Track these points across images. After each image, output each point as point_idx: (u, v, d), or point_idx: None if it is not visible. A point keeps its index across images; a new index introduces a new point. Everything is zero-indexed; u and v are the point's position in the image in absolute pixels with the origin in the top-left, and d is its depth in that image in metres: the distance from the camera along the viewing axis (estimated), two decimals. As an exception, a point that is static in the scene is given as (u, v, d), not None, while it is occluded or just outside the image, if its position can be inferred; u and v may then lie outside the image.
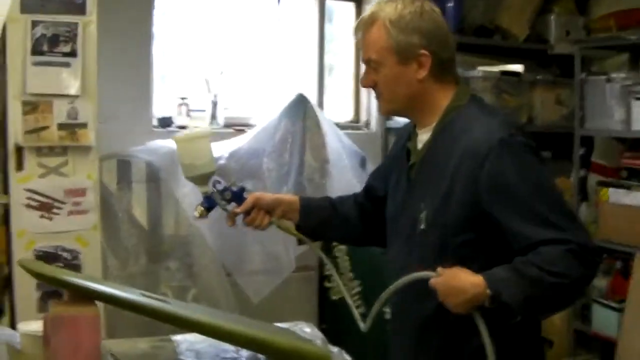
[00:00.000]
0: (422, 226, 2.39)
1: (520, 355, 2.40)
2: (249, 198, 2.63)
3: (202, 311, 2.61)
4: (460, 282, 2.18)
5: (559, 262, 2.16)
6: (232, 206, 2.62)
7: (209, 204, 2.61)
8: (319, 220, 2.74)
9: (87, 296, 2.10)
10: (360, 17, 2.52)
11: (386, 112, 2.66)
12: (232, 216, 2.63)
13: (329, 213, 2.77)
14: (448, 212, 2.32)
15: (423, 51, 2.38)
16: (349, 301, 2.67)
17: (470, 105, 2.46)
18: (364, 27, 2.45)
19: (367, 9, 2.50)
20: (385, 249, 2.67)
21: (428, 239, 2.38)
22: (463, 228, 2.31)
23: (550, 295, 2.21)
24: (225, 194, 2.61)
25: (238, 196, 2.62)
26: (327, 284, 4.75)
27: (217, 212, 2.73)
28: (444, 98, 2.45)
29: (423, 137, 2.48)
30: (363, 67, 2.53)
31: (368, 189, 2.80)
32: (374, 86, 2.48)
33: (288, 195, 2.87)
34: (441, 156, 2.39)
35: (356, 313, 2.58)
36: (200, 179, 2.60)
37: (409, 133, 2.59)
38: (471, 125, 2.36)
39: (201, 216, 2.64)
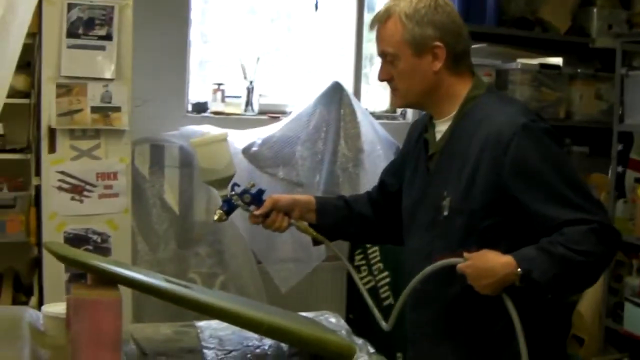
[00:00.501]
0: (446, 213, 2.43)
1: (545, 337, 2.41)
2: (267, 200, 2.63)
3: (225, 298, 2.59)
4: (490, 263, 2.24)
5: (583, 241, 2.22)
6: (251, 208, 2.62)
7: (228, 207, 2.60)
8: (335, 220, 2.77)
9: (110, 280, 2.09)
10: (377, 11, 2.55)
11: (401, 105, 2.72)
12: (254, 217, 2.64)
13: (345, 212, 2.79)
14: (472, 198, 2.37)
15: (437, 43, 2.43)
16: (369, 302, 2.66)
17: (489, 94, 2.52)
18: (379, 22, 2.50)
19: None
20: (400, 246, 2.72)
21: (452, 225, 2.42)
22: (487, 213, 2.36)
23: (577, 273, 2.26)
24: (244, 196, 2.60)
25: (257, 198, 2.61)
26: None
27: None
28: (461, 88, 2.50)
29: (441, 127, 2.52)
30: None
31: (382, 185, 2.83)
32: (389, 79, 2.52)
33: (304, 195, 2.86)
34: (463, 144, 2.43)
35: (377, 313, 2.59)
36: (219, 183, 2.59)
37: (424, 125, 2.62)
38: (492, 112, 2.42)
39: (220, 220, 2.62)
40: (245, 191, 2.60)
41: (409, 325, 2.64)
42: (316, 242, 2.78)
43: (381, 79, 2.53)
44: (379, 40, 2.50)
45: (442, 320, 2.49)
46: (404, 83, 2.48)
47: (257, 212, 2.61)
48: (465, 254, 2.27)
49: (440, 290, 2.43)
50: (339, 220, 2.77)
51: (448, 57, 2.43)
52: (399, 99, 2.54)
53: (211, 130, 4.48)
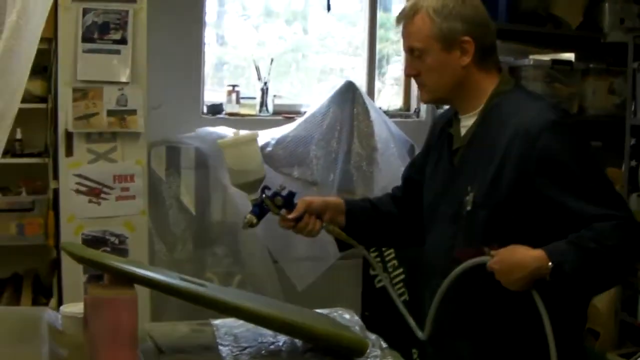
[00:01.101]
0: (469, 207, 2.42)
1: (563, 331, 2.38)
2: (300, 203, 2.58)
3: (239, 295, 2.63)
4: (519, 256, 2.24)
5: (612, 237, 2.21)
6: (282, 212, 2.56)
7: (259, 211, 2.53)
8: (364, 222, 2.73)
9: (126, 279, 2.12)
10: (403, 7, 2.55)
11: (429, 101, 2.69)
12: (286, 220, 2.58)
13: (372, 213, 2.77)
14: (498, 193, 2.36)
15: (466, 37, 2.42)
16: (403, 312, 2.60)
17: (517, 90, 2.53)
18: (406, 18, 2.49)
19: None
20: (422, 246, 2.68)
21: (475, 220, 2.41)
22: (512, 208, 2.35)
23: (607, 269, 2.27)
24: (275, 199, 2.52)
25: (289, 202, 2.55)
26: (372, 272, 4.74)
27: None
28: (489, 84, 2.49)
29: (467, 122, 2.52)
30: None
31: (407, 182, 2.82)
32: (417, 75, 2.51)
33: (333, 197, 2.82)
34: (489, 138, 2.42)
35: (412, 322, 2.56)
36: (249, 186, 2.52)
37: (448, 120, 2.62)
38: (520, 108, 2.41)
39: (251, 225, 2.54)
40: (276, 194, 2.53)
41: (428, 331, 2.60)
42: (342, 247, 2.74)
43: (408, 74, 2.54)
44: (406, 35, 2.48)
45: (462, 316, 2.49)
46: (432, 78, 2.48)
47: (290, 216, 2.56)
48: (492, 251, 2.26)
49: (460, 286, 2.41)
50: (367, 222, 2.74)
51: (476, 52, 2.43)
52: (427, 94, 2.54)
53: (226, 131, 4.52)
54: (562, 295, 2.31)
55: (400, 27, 2.52)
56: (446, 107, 2.75)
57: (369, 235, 2.79)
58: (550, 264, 2.19)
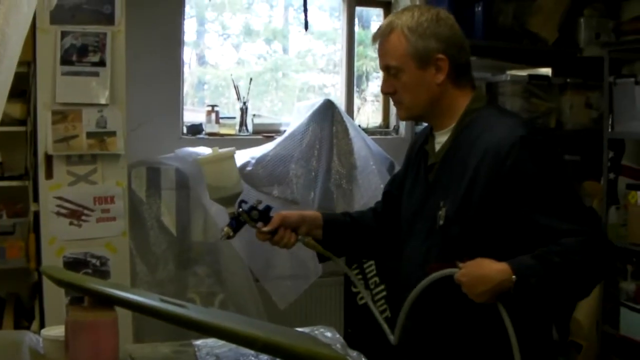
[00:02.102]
0: (441, 222, 2.45)
1: (530, 349, 2.41)
2: (275, 217, 2.62)
3: (220, 315, 2.64)
4: (486, 270, 2.27)
5: (578, 251, 2.26)
6: (259, 225, 2.61)
7: (236, 224, 2.59)
8: (341, 235, 2.77)
9: (106, 301, 2.13)
10: (379, 26, 2.59)
11: (406, 118, 2.72)
12: (261, 233, 2.62)
13: (351, 227, 2.81)
14: (469, 208, 2.40)
15: (441, 55, 2.46)
16: (377, 316, 2.67)
17: (490, 107, 2.57)
18: (381, 36, 2.53)
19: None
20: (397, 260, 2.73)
21: (447, 234, 2.45)
22: (484, 223, 2.38)
23: (571, 283, 2.28)
24: (252, 213, 2.58)
25: (264, 215, 2.61)
26: (353, 289, 4.76)
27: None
28: (462, 101, 2.53)
29: (441, 138, 2.56)
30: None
31: (386, 196, 2.86)
32: (393, 93, 2.54)
33: (310, 211, 2.85)
34: (462, 155, 2.46)
35: (385, 327, 2.60)
36: (227, 201, 2.58)
37: (425, 136, 2.66)
38: (492, 124, 2.45)
39: (228, 236, 2.62)
40: (252, 208, 2.59)
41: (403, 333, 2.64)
42: (322, 259, 2.76)
43: (385, 92, 2.57)
44: (382, 54, 2.52)
45: (431, 327, 2.52)
46: (408, 96, 2.51)
47: (265, 229, 2.60)
48: (460, 263, 2.30)
49: (429, 298, 2.43)
50: (345, 235, 2.78)
51: (451, 70, 2.48)
52: (404, 111, 2.57)
53: (206, 151, 4.54)
54: (527, 308, 2.34)
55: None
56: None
57: (347, 248, 2.86)
58: (514, 277, 2.23)
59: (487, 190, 2.36)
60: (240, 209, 2.58)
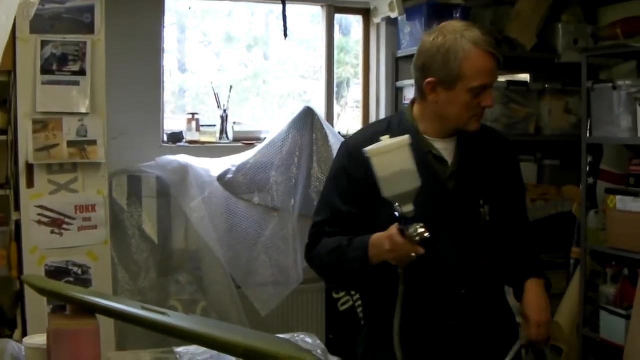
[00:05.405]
0: (488, 218, 2.64)
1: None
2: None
3: (201, 322, 2.64)
4: (542, 302, 2.69)
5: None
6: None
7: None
8: None
9: (87, 310, 2.14)
10: (494, 44, 2.76)
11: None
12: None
13: None
14: (508, 199, 2.72)
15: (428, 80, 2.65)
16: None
17: None
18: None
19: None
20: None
21: (494, 228, 2.65)
22: (511, 209, 2.77)
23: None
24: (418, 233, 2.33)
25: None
26: (335, 295, 4.77)
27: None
28: None
29: (446, 145, 2.64)
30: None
31: (349, 217, 2.65)
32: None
33: None
34: (481, 155, 2.68)
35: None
36: (404, 197, 2.32)
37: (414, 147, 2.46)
38: (487, 127, 2.79)
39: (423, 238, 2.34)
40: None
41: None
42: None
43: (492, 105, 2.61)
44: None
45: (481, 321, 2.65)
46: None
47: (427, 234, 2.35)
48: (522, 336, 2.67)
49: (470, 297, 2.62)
50: None
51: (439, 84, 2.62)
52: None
53: (187, 159, 4.57)
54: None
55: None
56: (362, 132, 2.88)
57: None
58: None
59: (511, 178, 2.76)
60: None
